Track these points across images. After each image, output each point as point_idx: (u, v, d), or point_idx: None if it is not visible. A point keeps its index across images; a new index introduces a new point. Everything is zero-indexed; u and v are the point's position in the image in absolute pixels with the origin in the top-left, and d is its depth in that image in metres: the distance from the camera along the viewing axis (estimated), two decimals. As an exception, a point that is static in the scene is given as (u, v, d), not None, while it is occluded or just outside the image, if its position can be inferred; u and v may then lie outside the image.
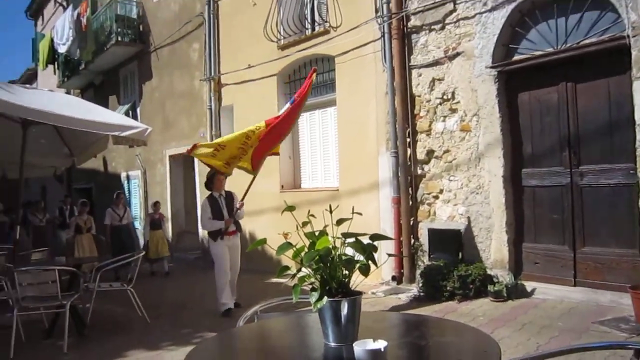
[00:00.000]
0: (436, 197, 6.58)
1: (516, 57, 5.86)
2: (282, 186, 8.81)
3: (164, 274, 9.47)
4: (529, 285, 5.68)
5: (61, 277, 5.25)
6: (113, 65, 13.77)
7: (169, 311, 6.53)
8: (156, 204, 9.97)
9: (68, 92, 15.49)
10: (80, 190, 15.77)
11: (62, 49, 14.42)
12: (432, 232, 6.57)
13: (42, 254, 7.40)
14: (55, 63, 15.69)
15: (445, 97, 6.44)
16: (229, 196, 6.19)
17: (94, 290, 5.75)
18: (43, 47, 15.51)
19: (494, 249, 6.00)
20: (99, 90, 14.86)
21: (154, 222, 9.69)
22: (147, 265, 9.37)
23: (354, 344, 1.69)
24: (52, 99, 6.40)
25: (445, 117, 6.45)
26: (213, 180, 6.12)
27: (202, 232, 10.76)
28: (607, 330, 4.32)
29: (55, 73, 16.01)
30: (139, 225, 12.64)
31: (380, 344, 1.67)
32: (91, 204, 10.88)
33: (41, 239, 10.73)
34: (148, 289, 8.04)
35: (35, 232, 11.22)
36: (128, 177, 13.76)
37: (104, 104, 12.78)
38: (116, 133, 6.13)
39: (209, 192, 6.17)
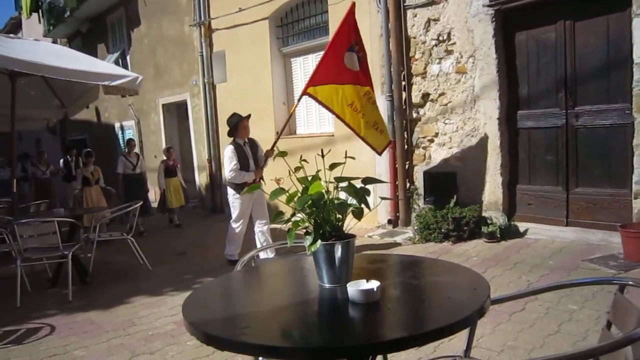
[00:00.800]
0: (431, 141, 6.57)
1: (514, -5, 5.69)
2: (277, 132, 8.77)
3: (175, 225, 9.17)
4: (522, 226, 5.79)
5: (61, 228, 5.31)
6: (100, 12, 13.33)
7: (170, 259, 6.66)
8: (169, 150, 9.34)
9: (55, 42, 15.07)
10: (74, 142, 15.68)
11: (45, -4, 13.94)
12: (428, 176, 6.62)
13: (40, 206, 7.48)
14: (40, 11, 15.18)
15: (440, 38, 6.30)
16: (254, 144, 5.85)
17: (94, 240, 5.84)
18: (25, -6, 14.96)
19: (488, 191, 6.06)
20: (86, 39, 14.47)
21: (169, 169, 9.11)
22: (167, 216, 9.24)
23: (347, 285, 1.75)
24: (39, 48, 6.25)
25: (440, 59, 6.34)
26: (238, 126, 5.71)
27: (200, 181, 10.83)
28: (596, 268, 4.45)
29: (40, 22, 15.51)
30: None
31: (373, 284, 1.72)
32: (65, 157, 10.51)
33: (45, 192, 10.16)
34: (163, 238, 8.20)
35: (39, 185, 10.57)
36: (122, 127, 13.65)
37: (93, 52, 12.49)
38: (106, 82, 6.03)
39: (232, 139, 5.76)
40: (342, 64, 5.40)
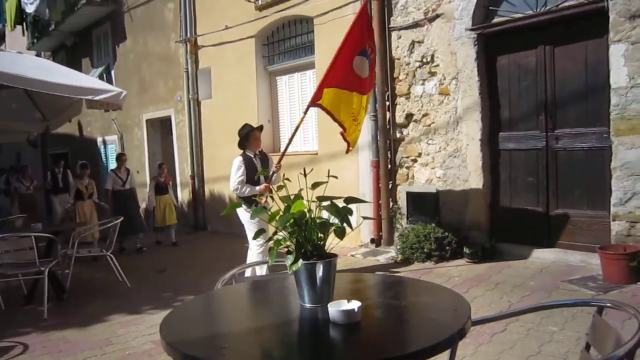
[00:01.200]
0: (414, 161, 6.63)
1: (496, 20, 5.83)
2: (261, 150, 8.75)
3: (172, 244, 8.66)
4: (503, 246, 5.83)
5: (38, 244, 5.20)
6: (85, 26, 13.29)
7: (150, 275, 6.55)
8: (161, 166, 8.89)
9: (38, 55, 14.92)
10: (55, 156, 15.47)
11: (30, 9, 13.87)
12: (411, 195, 6.65)
13: (19, 221, 7.32)
14: (24, 23, 15.08)
15: (424, 60, 6.40)
16: (265, 157, 5.47)
17: (72, 255, 5.72)
18: (10, 6, 14.87)
19: (470, 211, 6.11)
20: (71, 52, 14.39)
21: (160, 186, 8.69)
22: (153, 234, 8.76)
23: (328, 305, 1.73)
24: (22, 61, 6.18)
25: (424, 80, 6.43)
26: (249, 137, 5.33)
27: (183, 197, 10.72)
28: (575, 289, 4.49)
29: (24, 34, 15.39)
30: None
31: (354, 305, 1.71)
32: (52, 170, 10.34)
33: (29, 208, 9.91)
34: (142, 257, 8.04)
35: (22, 201, 10.23)
36: (104, 142, 13.51)
37: (77, 66, 12.42)
38: (90, 97, 5.99)
39: (242, 151, 5.39)
40: (351, 69, 5.17)
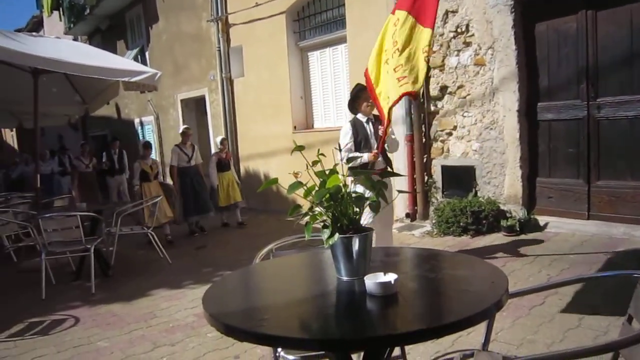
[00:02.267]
0: (449, 134, 6.52)
1: (534, -15, 5.61)
2: (295, 127, 8.80)
3: (237, 224, 8.19)
4: (542, 219, 5.72)
5: (84, 222, 5.42)
6: (118, 9, 13.49)
7: (190, 252, 6.74)
8: (223, 142, 8.28)
9: (75, 39, 15.27)
10: (95, 138, 15.94)
11: (65, -6, 14.13)
12: (446, 169, 6.57)
13: (64, 201, 7.63)
14: (60, 9, 15.41)
15: (459, 30, 6.23)
16: (378, 122, 4.66)
17: (116, 234, 5.94)
18: (46, -7, 15.20)
19: (507, 184, 6.00)
20: (106, 36, 14.66)
21: (222, 162, 8.10)
22: (219, 215, 8.18)
23: (365, 278, 1.76)
24: (60, 46, 6.36)
25: (459, 51, 6.28)
26: (359, 97, 4.71)
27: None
28: (618, 262, 4.38)
29: (60, 19, 15.74)
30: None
31: (391, 277, 1.73)
32: (108, 151, 10.49)
33: (88, 187, 9.80)
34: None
35: (82, 179, 9.93)
36: (142, 123, 13.82)
37: (112, 49, 12.63)
38: (126, 79, 6.12)
39: (352, 116, 4.84)
40: None
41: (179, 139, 8.05)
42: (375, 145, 4.58)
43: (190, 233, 7.87)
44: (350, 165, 3.30)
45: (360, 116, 4.75)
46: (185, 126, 8.44)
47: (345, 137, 4.61)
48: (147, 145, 8.02)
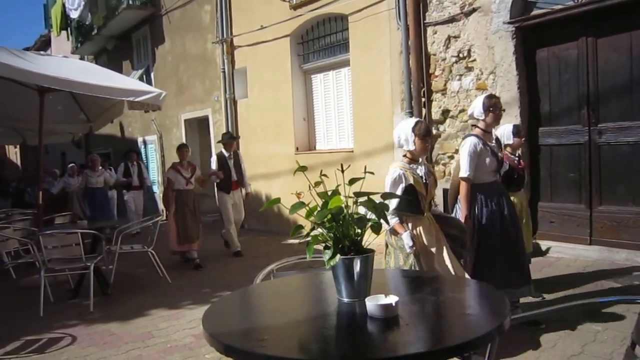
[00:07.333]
0: (451, 157, 6.54)
1: (535, 12, 5.69)
2: (297, 148, 8.84)
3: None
4: (544, 244, 5.70)
5: (84, 240, 5.41)
6: (125, 30, 13.70)
7: (189, 272, 6.71)
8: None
9: (82, 58, 15.51)
10: (98, 156, 16.00)
11: (74, 14, 14.39)
12: (447, 192, 6.56)
13: (65, 218, 7.62)
14: (68, 29, 15.67)
15: (461, 55, 6.31)
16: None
17: (116, 252, 5.92)
18: (55, 13, 15.48)
19: (509, 208, 5.98)
20: (112, 56, 14.86)
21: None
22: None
23: (366, 299, 1.75)
24: (67, 65, 6.44)
25: (461, 75, 6.35)
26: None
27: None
28: (620, 287, 4.35)
29: (68, 39, 16.00)
30: (157, 189, 12.83)
31: (392, 299, 1.72)
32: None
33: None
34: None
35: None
36: (145, 142, 13.89)
37: (118, 69, 12.80)
38: (131, 98, 6.17)
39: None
40: None
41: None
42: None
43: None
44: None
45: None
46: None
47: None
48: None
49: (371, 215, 1.94)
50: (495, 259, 3.62)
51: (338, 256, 1.84)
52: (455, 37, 6.35)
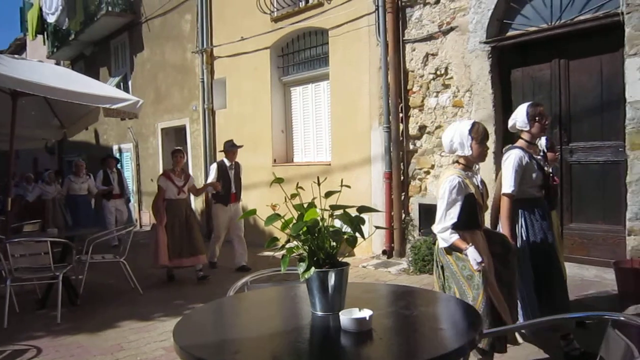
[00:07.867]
0: (427, 173, 6.62)
1: (510, 33, 5.84)
2: (275, 160, 8.83)
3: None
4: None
5: (54, 249, 5.27)
6: (104, 36, 13.55)
7: (162, 283, 6.59)
8: None
9: (58, 63, 15.22)
10: (71, 163, 15.70)
11: (51, 19, 14.17)
12: (423, 207, 6.64)
13: (34, 226, 7.42)
14: (45, 33, 15.42)
15: (438, 72, 6.42)
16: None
17: (86, 262, 5.79)
18: (32, 17, 15.23)
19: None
20: (89, 62, 14.66)
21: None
22: None
23: (340, 313, 1.74)
24: (42, 70, 6.31)
25: (438, 92, 6.45)
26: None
27: (195, 205, 10.78)
28: (589, 304, 4.43)
29: (44, 43, 15.74)
30: (132, 199, 12.61)
31: (366, 313, 1.72)
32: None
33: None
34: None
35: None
36: (120, 150, 13.69)
37: (95, 75, 12.62)
38: (107, 105, 6.07)
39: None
40: None
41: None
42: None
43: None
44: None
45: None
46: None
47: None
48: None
49: (347, 229, 1.94)
50: (553, 283, 3.35)
51: (313, 269, 1.83)
52: (433, 54, 6.47)
